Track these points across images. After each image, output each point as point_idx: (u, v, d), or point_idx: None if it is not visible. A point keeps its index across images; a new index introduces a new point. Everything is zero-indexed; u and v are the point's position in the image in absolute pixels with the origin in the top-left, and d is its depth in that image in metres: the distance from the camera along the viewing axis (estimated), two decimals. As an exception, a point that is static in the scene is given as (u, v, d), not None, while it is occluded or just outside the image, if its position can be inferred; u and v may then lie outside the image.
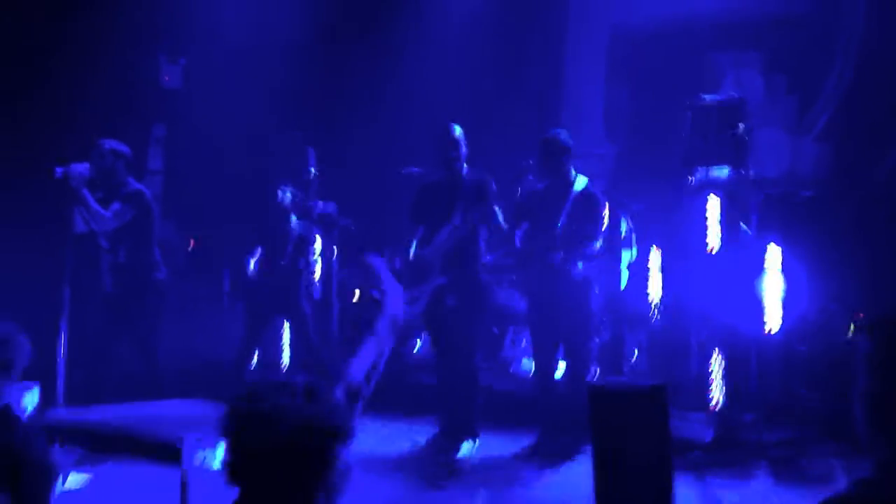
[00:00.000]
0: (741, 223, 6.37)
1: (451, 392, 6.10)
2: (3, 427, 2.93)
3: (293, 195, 7.47)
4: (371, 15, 9.82)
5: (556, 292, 5.91)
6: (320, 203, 8.51)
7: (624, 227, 7.34)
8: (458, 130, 6.13)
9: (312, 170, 8.54)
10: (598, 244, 5.97)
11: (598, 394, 4.33)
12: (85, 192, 6.19)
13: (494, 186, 6.00)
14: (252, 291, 7.56)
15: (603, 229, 6.00)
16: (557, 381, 6.12)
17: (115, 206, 6.32)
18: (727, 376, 6.23)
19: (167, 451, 3.73)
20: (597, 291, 6.18)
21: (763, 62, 8.71)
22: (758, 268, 6.26)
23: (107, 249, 6.43)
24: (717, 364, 6.27)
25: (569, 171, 6.03)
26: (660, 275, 7.11)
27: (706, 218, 6.46)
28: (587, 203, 5.95)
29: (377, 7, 9.85)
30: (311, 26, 9.44)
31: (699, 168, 6.56)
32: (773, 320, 6.25)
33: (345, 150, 9.36)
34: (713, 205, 6.43)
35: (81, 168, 6.15)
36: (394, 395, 7.46)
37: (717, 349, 6.28)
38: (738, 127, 6.50)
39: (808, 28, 8.45)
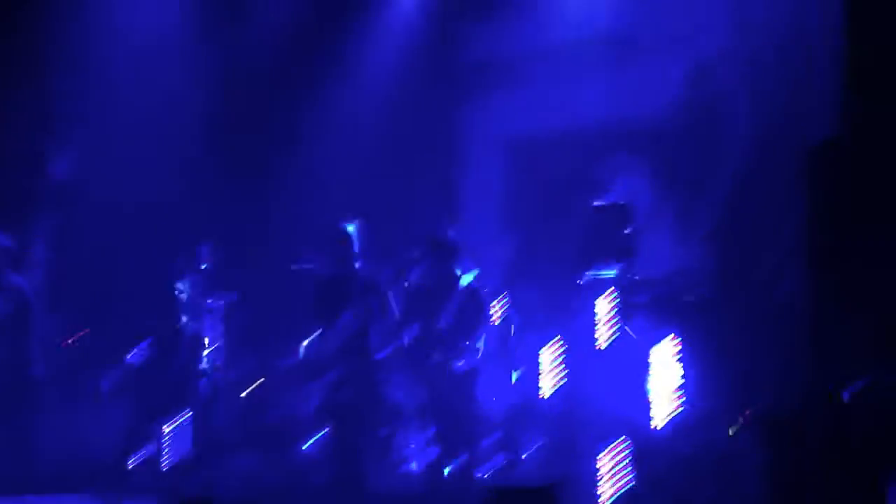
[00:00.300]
0: (626, 327, 6.51)
1: (340, 489, 6.04)
2: None
3: (188, 291, 7.36)
4: (268, 103, 9.89)
5: (441, 389, 5.91)
6: (209, 300, 8.38)
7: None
8: (350, 228, 6.21)
9: (204, 266, 8.43)
10: (482, 340, 6.04)
11: (492, 494, 4.33)
12: None
13: (385, 279, 6.05)
14: (141, 386, 7.37)
15: (484, 325, 6.07)
16: (445, 478, 6.06)
17: None
18: (617, 475, 6.26)
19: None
20: (479, 387, 6.17)
21: (651, 167, 9.03)
22: (644, 365, 6.38)
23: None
24: (606, 462, 6.30)
25: (453, 269, 6.15)
26: (551, 370, 7.16)
27: (595, 316, 6.58)
28: (471, 299, 6.05)
29: (277, 98, 9.93)
30: (208, 119, 9.43)
31: (588, 269, 6.70)
32: (658, 416, 6.34)
33: (243, 241, 9.28)
34: (601, 305, 6.57)
35: None
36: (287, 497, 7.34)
37: (606, 447, 6.32)
38: (625, 229, 6.70)
39: (694, 135, 8.84)
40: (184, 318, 7.33)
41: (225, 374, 8.35)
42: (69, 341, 8.32)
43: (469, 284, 6.14)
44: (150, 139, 8.96)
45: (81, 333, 8.55)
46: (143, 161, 8.90)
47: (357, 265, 6.20)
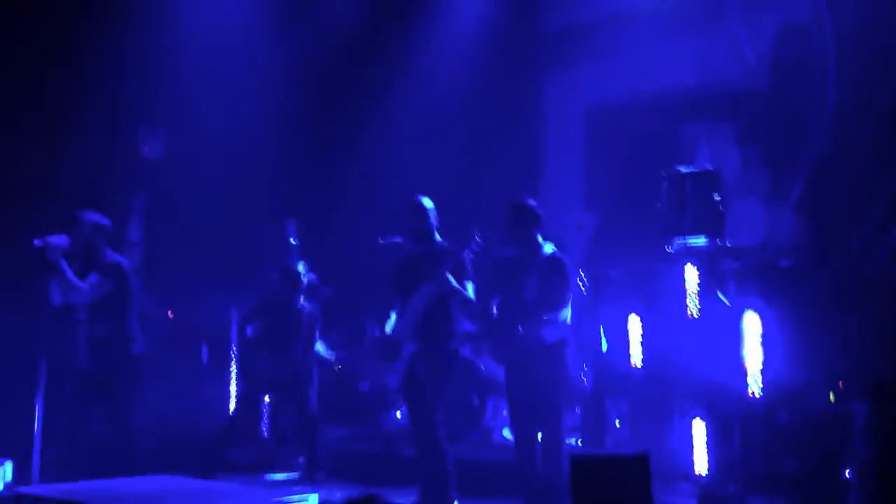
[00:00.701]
0: (718, 293, 6.40)
1: (424, 463, 6.07)
2: None
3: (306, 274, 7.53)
4: (354, 86, 9.98)
5: (527, 360, 5.89)
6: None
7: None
8: (427, 202, 6.20)
9: (293, 240, 8.57)
10: (567, 310, 5.95)
11: (579, 463, 4.28)
12: (63, 263, 6.16)
13: (466, 260, 6.01)
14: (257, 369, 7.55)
15: (570, 295, 5.98)
16: (536, 450, 6.02)
17: (93, 278, 6.28)
18: (710, 445, 6.19)
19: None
20: (569, 357, 6.10)
21: (737, 133, 8.86)
22: (736, 333, 6.27)
23: (84, 322, 6.36)
24: (699, 431, 6.23)
25: (536, 239, 6.06)
26: (640, 340, 7.10)
27: (684, 286, 6.49)
28: (554, 269, 5.95)
29: (361, 79, 10.01)
30: (292, 97, 9.57)
31: (676, 237, 6.61)
32: (754, 384, 6.24)
33: (327, 219, 9.41)
34: (691, 274, 6.47)
35: (59, 240, 6.14)
36: (378, 467, 7.46)
37: (699, 416, 6.25)
38: (713, 196, 6.58)
39: (781, 99, 8.63)
40: (303, 302, 7.47)
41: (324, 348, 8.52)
42: (169, 316, 8.57)
43: (553, 254, 6.02)
44: (235, 120, 9.12)
45: (176, 311, 8.83)
46: (229, 141, 9.09)
47: (436, 240, 6.17)
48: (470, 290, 6.05)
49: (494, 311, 6.07)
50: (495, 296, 6.10)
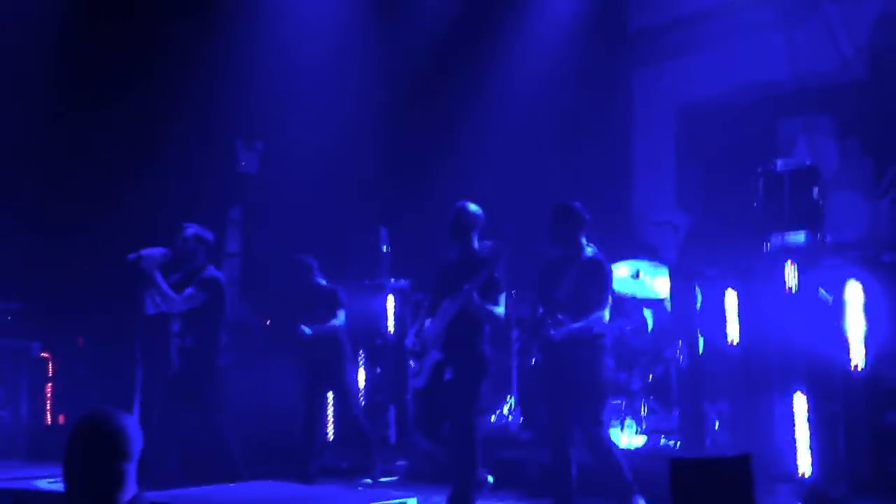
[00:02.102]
0: (820, 289, 6.23)
1: (453, 463, 6.08)
2: None
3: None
4: (445, 92, 10.05)
5: (559, 359, 5.86)
6: (392, 280, 8.61)
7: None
8: (471, 207, 6.15)
9: (384, 247, 8.66)
10: (606, 311, 5.88)
11: (680, 466, 4.22)
12: (157, 275, 6.34)
13: (500, 257, 5.94)
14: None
15: (607, 296, 5.89)
16: (568, 448, 5.95)
17: (189, 290, 6.44)
18: (815, 445, 6.04)
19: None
20: (606, 355, 6.01)
21: (835, 126, 8.64)
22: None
23: (176, 332, 6.52)
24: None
25: (579, 240, 6.00)
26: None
27: (784, 281, 6.33)
28: (593, 270, 5.90)
29: (451, 86, 10.08)
30: (384, 106, 9.68)
31: (774, 234, 6.47)
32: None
33: (417, 226, 9.49)
34: (790, 271, 6.32)
35: (153, 252, 6.33)
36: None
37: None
38: (811, 192, 6.42)
39: (880, 90, 8.37)
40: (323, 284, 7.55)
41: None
42: (266, 323, 8.74)
43: (592, 255, 5.96)
44: (329, 131, 9.29)
45: (272, 319, 9.00)
46: (323, 152, 9.25)
47: (475, 244, 6.12)
48: (502, 303, 5.98)
49: (539, 310, 6.05)
50: (538, 295, 6.10)
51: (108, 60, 8.51)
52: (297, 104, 9.14)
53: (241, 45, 8.85)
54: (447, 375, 5.93)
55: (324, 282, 7.67)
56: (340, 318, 7.55)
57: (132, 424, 3.01)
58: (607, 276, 5.94)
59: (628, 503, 5.74)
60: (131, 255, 6.30)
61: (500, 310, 5.97)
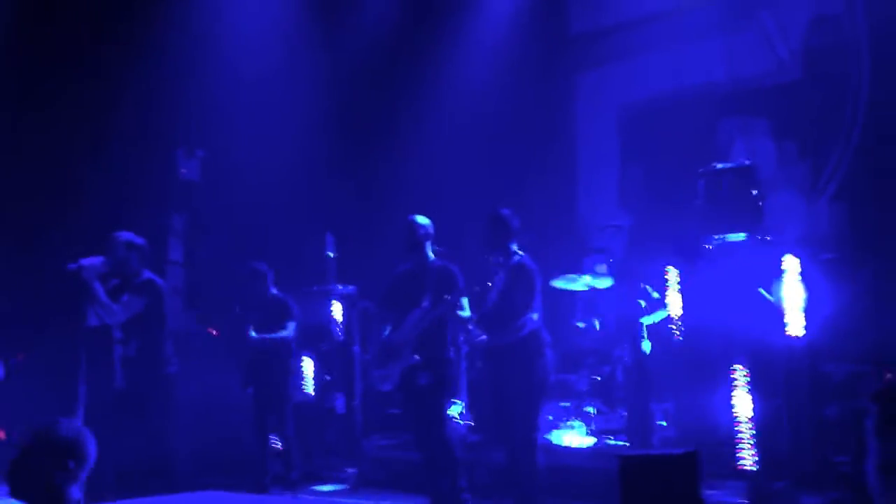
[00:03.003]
0: (760, 289, 6.34)
1: (433, 466, 6.21)
2: None
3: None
4: (387, 98, 10.04)
5: (498, 366, 6.12)
6: (339, 286, 8.57)
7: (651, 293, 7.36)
8: (422, 220, 6.35)
9: (331, 253, 8.62)
10: (535, 315, 6.05)
11: (628, 463, 4.27)
12: (96, 285, 6.24)
13: (460, 276, 6.16)
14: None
15: (531, 298, 6.03)
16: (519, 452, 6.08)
17: (125, 297, 6.35)
18: (758, 440, 6.13)
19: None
20: (538, 356, 6.10)
21: (772, 127, 8.80)
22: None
23: (119, 341, 6.40)
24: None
25: (509, 248, 6.14)
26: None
27: (725, 279, 6.43)
28: (519, 275, 6.08)
29: (393, 90, 10.07)
30: (326, 112, 9.64)
31: (715, 235, 6.56)
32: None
33: (364, 232, 9.46)
34: (732, 269, 6.41)
35: (93, 262, 6.23)
36: (421, 474, 7.45)
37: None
38: (751, 192, 6.53)
39: (815, 91, 8.56)
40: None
41: (360, 358, 8.55)
42: (213, 334, 8.64)
43: (518, 261, 6.12)
44: (271, 139, 9.22)
45: (219, 329, 8.89)
46: (266, 159, 9.18)
47: (430, 258, 6.28)
48: (466, 305, 6.22)
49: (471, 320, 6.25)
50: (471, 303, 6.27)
51: (42, 69, 8.33)
52: (240, 110, 9.06)
53: (181, 51, 8.74)
54: (422, 380, 6.08)
55: (275, 291, 7.62)
56: (290, 329, 7.50)
57: (85, 435, 2.99)
58: (534, 280, 6.10)
59: None
60: (71, 266, 6.19)
61: (466, 314, 6.23)
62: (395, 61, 10.05)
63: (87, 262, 6.22)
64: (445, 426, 6.21)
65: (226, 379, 8.54)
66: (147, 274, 6.55)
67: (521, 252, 6.22)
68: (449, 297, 6.00)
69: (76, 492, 2.89)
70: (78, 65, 8.28)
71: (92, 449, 2.96)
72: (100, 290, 6.26)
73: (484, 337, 6.10)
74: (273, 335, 7.42)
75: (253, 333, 7.38)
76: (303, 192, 9.49)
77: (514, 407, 6.05)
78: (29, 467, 2.85)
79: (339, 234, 9.06)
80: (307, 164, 9.52)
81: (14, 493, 2.87)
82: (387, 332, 6.30)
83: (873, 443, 2.14)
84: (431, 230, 6.35)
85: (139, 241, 6.56)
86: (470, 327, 6.24)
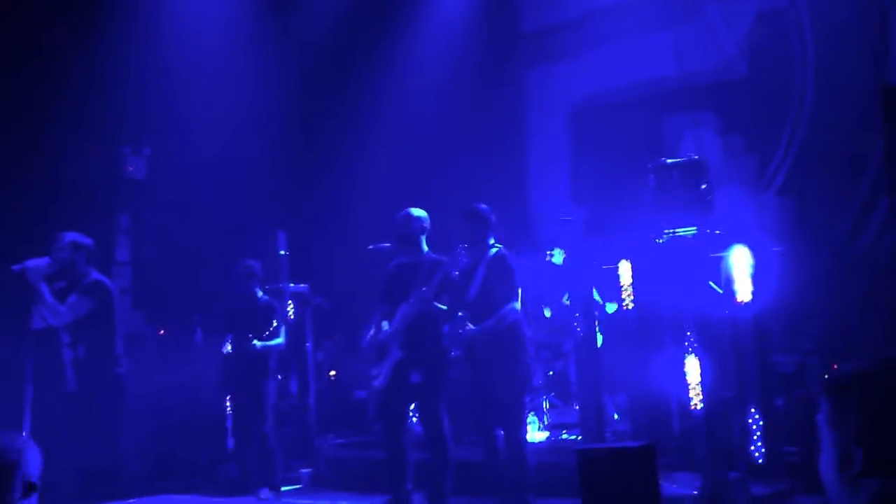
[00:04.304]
0: (710, 282, 6.41)
1: (433, 462, 6.14)
2: None
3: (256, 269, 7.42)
4: (338, 95, 9.98)
5: (481, 360, 6.04)
6: (291, 284, 8.49)
7: (596, 295, 7.39)
8: (417, 212, 6.29)
9: (283, 251, 8.54)
10: (517, 304, 6.03)
11: (586, 458, 4.28)
12: (42, 286, 6.11)
13: (451, 272, 6.12)
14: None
15: (513, 290, 6.01)
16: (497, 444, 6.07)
17: (72, 298, 6.22)
18: (710, 431, 6.19)
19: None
20: (519, 346, 6.07)
21: (719, 122, 8.91)
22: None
23: (67, 344, 6.28)
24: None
25: (487, 241, 6.14)
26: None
27: (675, 273, 6.49)
28: (498, 267, 6.06)
29: (344, 88, 10.01)
30: (275, 110, 9.54)
31: (666, 228, 6.62)
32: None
33: (315, 230, 9.39)
34: (682, 262, 6.47)
35: (39, 262, 6.10)
36: (378, 474, 7.42)
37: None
38: (699, 186, 6.59)
39: (760, 86, 8.68)
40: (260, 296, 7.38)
41: (314, 357, 8.48)
42: (160, 334, 8.51)
43: (496, 253, 6.11)
44: (219, 136, 9.10)
45: (166, 329, 8.76)
46: (214, 157, 9.06)
47: (424, 249, 6.24)
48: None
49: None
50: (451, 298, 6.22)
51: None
52: (187, 107, 8.91)
53: (126, 46, 8.58)
54: (413, 378, 6.02)
55: (262, 294, 7.48)
56: (282, 336, 7.35)
57: (30, 449, 2.82)
58: (513, 271, 6.07)
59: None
60: (16, 267, 6.06)
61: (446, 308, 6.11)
62: (345, 57, 9.99)
63: (31, 263, 6.09)
64: (441, 424, 6.07)
65: (175, 379, 8.44)
66: (95, 275, 6.42)
67: (498, 245, 6.19)
68: (425, 289, 5.93)
69: None
70: (19, 59, 8.08)
71: (36, 465, 2.78)
72: (45, 291, 6.13)
73: (469, 327, 5.96)
74: (273, 343, 7.24)
75: (256, 343, 7.12)
76: (253, 190, 9.38)
77: (499, 400, 5.95)
78: None
79: (290, 232, 8.99)
80: (257, 161, 9.41)
81: None
82: (374, 329, 6.21)
83: (826, 437, 2.15)
84: (427, 224, 6.29)
85: (86, 240, 6.43)
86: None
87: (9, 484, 2.63)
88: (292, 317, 8.46)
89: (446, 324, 6.15)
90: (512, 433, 5.96)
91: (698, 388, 6.23)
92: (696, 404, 6.27)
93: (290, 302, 8.46)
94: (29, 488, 2.65)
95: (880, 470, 2.05)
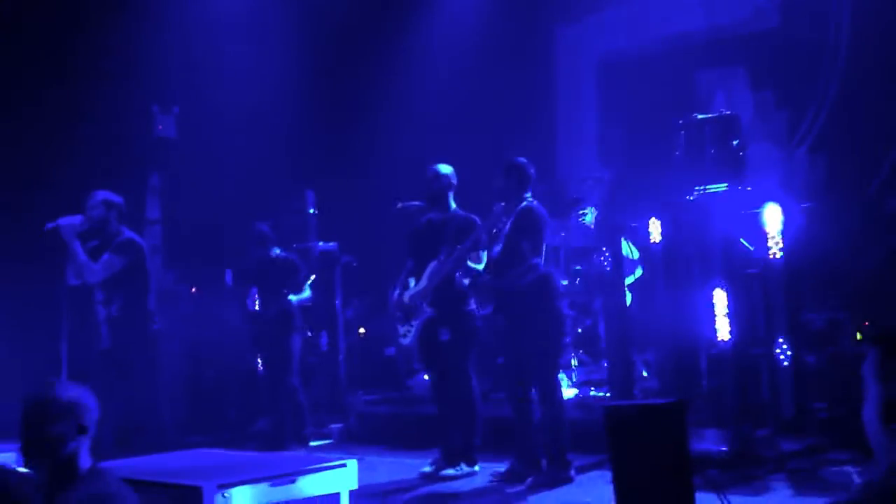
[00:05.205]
0: (742, 239, 6.37)
1: (450, 420, 6.20)
2: (100, 481, 3.01)
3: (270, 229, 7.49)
4: (365, 55, 9.93)
5: (511, 314, 5.92)
6: (320, 242, 8.54)
7: (628, 249, 7.36)
8: (444, 168, 6.23)
9: (312, 210, 8.57)
10: (541, 258, 5.90)
11: (614, 414, 4.28)
12: (75, 244, 6.16)
13: (481, 230, 6.03)
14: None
15: (539, 242, 5.89)
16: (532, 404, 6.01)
17: (105, 256, 6.27)
18: (739, 388, 6.19)
19: (192, 496, 3.77)
20: (548, 300, 5.96)
21: (751, 78, 8.78)
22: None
23: (101, 302, 6.34)
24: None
25: (523, 196, 6.02)
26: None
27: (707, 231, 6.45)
28: (525, 219, 5.92)
29: (372, 44, 9.96)
30: (304, 69, 9.53)
31: (696, 186, 6.57)
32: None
33: (344, 188, 9.41)
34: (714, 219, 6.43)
35: (72, 220, 6.15)
36: (407, 429, 7.52)
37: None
38: (732, 142, 6.53)
39: (794, 41, 8.53)
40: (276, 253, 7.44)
41: (343, 314, 8.54)
42: (192, 291, 8.60)
43: (524, 206, 5.98)
44: (249, 95, 9.11)
45: (199, 286, 8.85)
46: (243, 116, 9.08)
47: (452, 207, 6.20)
48: (484, 260, 6.07)
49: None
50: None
51: (17, 26, 8.15)
52: (216, 66, 8.93)
53: (156, 6, 8.59)
54: (443, 336, 6.03)
55: (280, 251, 7.53)
56: (307, 290, 7.46)
57: (87, 395, 3.09)
58: (540, 225, 5.92)
59: (560, 463, 5.83)
60: (49, 225, 6.11)
61: (482, 267, 6.06)
62: (374, 13, 9.93)
63: (64, 220, 6.14)
64: (469, 382, 6.09)
65: (207, 335, 8.54)
66: (127, 233, 6.47)
67: (532, 199, 6.04)
68: (460, 247, 5.90)
69: (87, 455, 2.99)
70: (52, 22, 8.11)
71: (93, 412, 3.06)
72: (79, 248, 6.19)
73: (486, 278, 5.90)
74: (303, 296, 7.36)
75: (292, 297, 7.25)
76: (282, 149, 9.41)
77: (530, 358, 5.85)
78: (39, 438, 2.91)
79: (319, 190, 9.01)
80: (286, 120, 9.42)
81: (28, 466, 2.91)
82: (401, 288, 6.22)
83: (873, 387, 2.15)
84: (454, 180, 6.25)
85: (117, 199, 6.47)
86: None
87: (65, 423, 2.94)
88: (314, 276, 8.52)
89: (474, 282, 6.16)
90: (547, 392, 5.86)
91: (728, 342, 6.24)
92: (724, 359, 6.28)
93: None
94: (80, 430, 2.99)
95: None
